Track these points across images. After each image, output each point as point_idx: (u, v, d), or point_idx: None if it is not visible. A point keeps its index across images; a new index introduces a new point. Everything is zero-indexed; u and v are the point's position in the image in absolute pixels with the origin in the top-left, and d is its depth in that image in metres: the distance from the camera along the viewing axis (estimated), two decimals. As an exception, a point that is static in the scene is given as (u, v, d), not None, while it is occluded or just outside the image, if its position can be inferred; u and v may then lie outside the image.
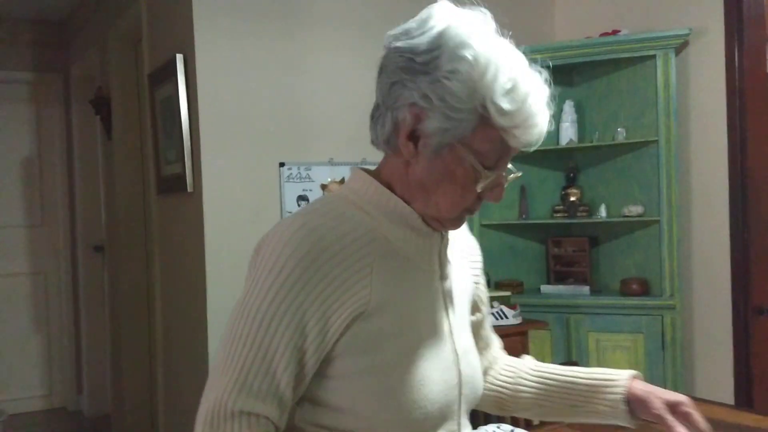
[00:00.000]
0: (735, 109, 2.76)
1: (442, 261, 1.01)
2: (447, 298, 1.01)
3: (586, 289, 3.11)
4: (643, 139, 2.96)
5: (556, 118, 3.23)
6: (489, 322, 1.22)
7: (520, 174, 0.99)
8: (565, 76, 3.29)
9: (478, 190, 0.90)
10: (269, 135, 2.71)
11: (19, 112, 4.52)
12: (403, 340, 0.92)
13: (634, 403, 1.05)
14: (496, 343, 1.24)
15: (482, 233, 3.21)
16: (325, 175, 2.97)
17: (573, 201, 3.24)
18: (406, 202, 0.94)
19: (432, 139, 0.88)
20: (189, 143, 2.60)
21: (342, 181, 2.99)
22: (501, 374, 1.19)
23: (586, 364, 2.97)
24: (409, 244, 0.96)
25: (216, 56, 2.57)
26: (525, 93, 0.86)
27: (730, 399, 2.77)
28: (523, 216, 3.28)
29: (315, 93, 2.84)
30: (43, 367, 4.61)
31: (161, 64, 2.81)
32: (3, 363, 4.43)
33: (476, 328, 1.16)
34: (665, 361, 2.83)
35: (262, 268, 0.88)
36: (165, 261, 3.03)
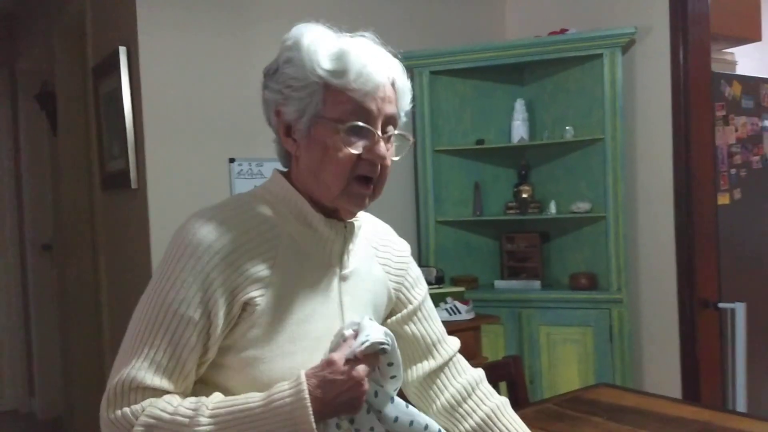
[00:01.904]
0: (680, 107, 2.81)
1: (344, 261, 1.06)
2: (345, 296, 1.05)
3: (537, 283, 3.15)
4: (590, 137, 3.00)
5: (509, 116, 3.26)
6: (431, 320, 1.22)
7: (404, 134, 1.04)
8: (516, 74, 3.32)
9: (354, 152, 0.97)
10: (218, 130, 2.67)
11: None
12: (292, 334, 0.97)
13: None
14: (450, 343, 1.24)
15: (438, 230, 3.22)
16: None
17: (525, 198, 3.27)
18: (309, 197, 1.02)
19: (299, 125, 0.99)
20: (133, 138, 2.54)
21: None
22: (479, 409, 1.19)
23: (538, 358, 3.01)
24: (310, 242, 1.02)
25: (160, 48, 2.52)
26: (347, 50, 0.97)
27: (677, 390, 2.83)
28: (477, 213, 3.30)
29: (265, 88, 2.82)
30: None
31: (104, 57, 2.74)
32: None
33: (399, 327, 1.18)
34: (613, 354, 2.88)
35: (172, 256, 0.94)
36: (111, 259, 2.96)
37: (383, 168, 1.01)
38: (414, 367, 1.19)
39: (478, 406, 1.17)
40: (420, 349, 1.19)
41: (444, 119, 3.24)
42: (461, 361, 1.24)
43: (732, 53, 3.68)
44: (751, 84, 3.23)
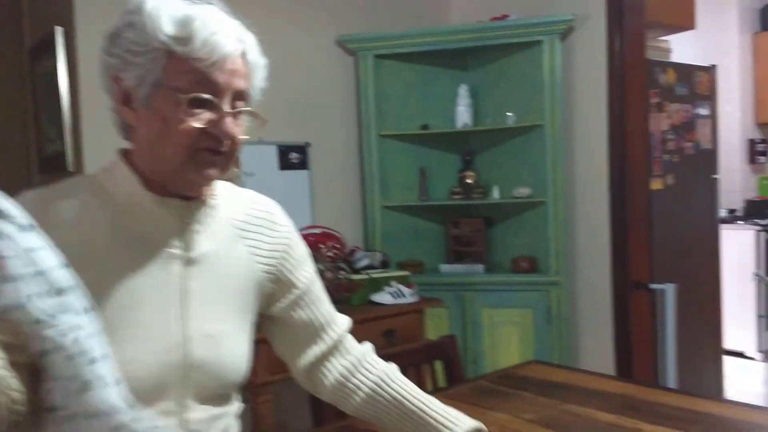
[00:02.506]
0: (615, 94, 2.90)
1: (190, 243, 1.00)
2: (191, 282, 0.99)
3: (480, 267, 3.22)
4: (530, 124, 3.07)
5: (452, 102, 3.30)
6: (320, 303, 1.17)
7: (255, 112, 1.00)
8: (460, 60, 3.36)
9: (197, 125, 0.91)
10: (158, 113, 2.63)
11: None
12: (113, 321, 0.91)
13: None
14: (340, 323, 1.20)
15: (384, 215, 3.25)
16: (220, 155, 2.91)
17: (469, 183, 3.33)
18: (149, 174, 0.96)
19: (138, 93, 0.92)
20: (69, 120, 2.48)
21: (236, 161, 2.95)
22: (367, 380, 1.16)
23: (480, 339, 3.08)
24: (140, 223, 0.96)
25: (98, 29, 2.46)
26: (194, 16, 0.91)
27: (611, 368, 2.94)
28: (423, 198, 3.34)
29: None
30: None
31: (41, 38, 2.67)
32: None
33: (286, 313, 1.13)
34: (552, 335, 2.97)
35: None
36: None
37: (232, 144, 0.95)
38: (303, 354, 1.14)
39: (365, 377, 1.15)
40: (308, 334, 1.14)
41: (389, 104, 3.27)
42: (349, 341, 1.20)
43: (667, 41, 3.80)
44: (684, 71, 3.35)
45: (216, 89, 0.92)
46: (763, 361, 4.53)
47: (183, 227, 0.99)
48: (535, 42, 3.00)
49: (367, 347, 1.22)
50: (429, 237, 3.45)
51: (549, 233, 3.01)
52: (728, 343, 4.24)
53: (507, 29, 3.03)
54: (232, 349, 1.03)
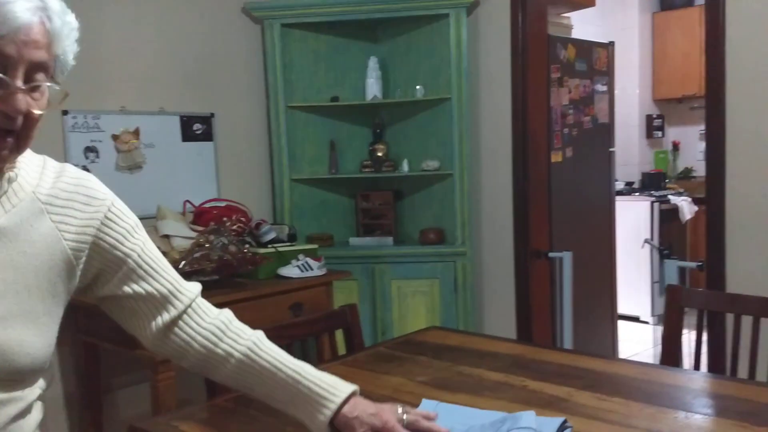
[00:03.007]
0: (518, 68, 2.97)
1: None
2: None
3: (390, 240, 3.25)
4: (438, 97, 3.10)
5: (362, 74, 3.29)
6: (160, 271, 1.09)
7: (52, 85, 0.93)
8: (369, 31, 3.34)
9: None
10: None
11: None
12: None
13: (339, 425, 1.07)
14: (188, 289, 1.12)
15: (292, 188, 3.21)
16: (117, 124, 2.78)
17: (379, 156, 3.34)
18: None
19: None
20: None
21: (136, 131, 2.83)
22: (236, 348, 1.11)
23: (390, 310, 3.12)
24: None
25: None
26: None
27: (513, 334, 3.05)
28: (333, 171, 3.33)
29: (104, 34, 2.64)
30: None
31: None
32: None
33: (120, 289, 1.06)
34: (458, 303, 3.05)
35: None
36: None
37: (28, 120, 0.89)
38: (151, 324, 1.08)
39: (234, 345, 1.10)
40: (152, 306, 1.08)
41: (297, 75, 3.21)
42: (204, 304, 1.14)
43: (569, 17, 3.92)
44: (584, 48, 3.47)
45: (7, 63, 0.85)
46: (656, 324, 4.83)
47: None
48: (443, 15, 3.02)
49: (229, 314, 1.16)
50: (339, 210, 3.44)
51: (455, 205, 3.07)
52: (624, 308, 4.50)
53: (414, 1, 3.03)
54: (24, 332, 0.94)
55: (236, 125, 3.13)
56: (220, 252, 2.56)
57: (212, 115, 3.04)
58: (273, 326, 1.66)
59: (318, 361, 1.74)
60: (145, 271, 1.06)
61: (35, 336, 0.96)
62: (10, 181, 0.95)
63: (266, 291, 2.64)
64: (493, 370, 1.47)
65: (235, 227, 2.71)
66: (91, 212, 1.01)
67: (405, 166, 3.26)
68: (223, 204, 2.92)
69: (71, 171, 1.03)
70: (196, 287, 1.14)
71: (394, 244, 3.23)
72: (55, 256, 0.98)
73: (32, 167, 0.99)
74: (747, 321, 1.65)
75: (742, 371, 1.66)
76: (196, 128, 2.98)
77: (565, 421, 1.13)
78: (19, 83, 0.86)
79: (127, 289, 1.05)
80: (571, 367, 1.49)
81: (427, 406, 1.21)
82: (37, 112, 0.89)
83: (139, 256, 1.06)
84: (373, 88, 3.27)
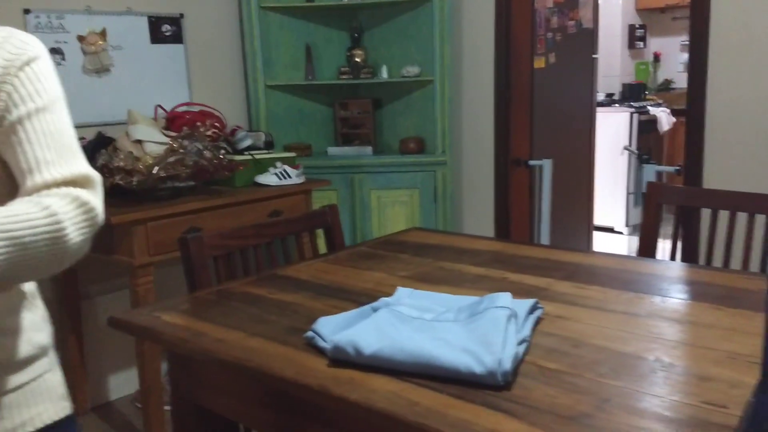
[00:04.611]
0: (502, -32, 2.86)
1: None
2: None
3: (369, 149, 3.20)
4: (421, -3, 2.99)
5: (340, -26, 3.14)
6: (29, 145, 0.90)
7: None
8: (346, -73, 3.17)
9: None
10: (3, -27, 2.33)
11: None
12: None
13: None
14: (48, 174, 0.89)
15: (268, 95, 3.12)
16: (83, 25, 2.64)
17: (357, 62, 3.24)
18: None
19: None
20: None
21: (103, 32, 2.70)
22: None
23: (369, 220, 3.12)
24: None
25: None
26: None
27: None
28: (309, 77, 3.23)
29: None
30: None
31: None
32: None
33: (3, 149, 0.91)
34: (437, 212, 3.05)
35: None
36: None
37: None
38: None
39: None
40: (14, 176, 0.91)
41: (270, -26, 3.06)
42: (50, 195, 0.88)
43: None
44: (570, -50, 3.34)
45: None
46: (630, 234, 4.93)
47: None
48: None
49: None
50: (316, 119, 3.37)
51: (436, 113, 3.02)
52: (600, 219, 4.57)
53: None
54: None
55: (207, 27, 3.00)
56: (195, 157, 2.50)
57: (182, 15, 2.90)
58: (253, 225, 1.64)
59: (299, 259, 1.74)
60: (20, 138, 0.90)
61: None
62: None
63: (244, 198, 2.61)
64: (474, 265, 1.48)
65: (209, 133, 2.64)
66: (9, 62, 0.89)
67: (384, 73, 3.18)
68: (196, 109, 2.84)
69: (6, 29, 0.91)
70: (61, 175, 0.90)
71: (374, 154, 3.20)
72: None
73: None
74: (723, 216, 1.66)
75: (717, 264, 1.70)
76: (164, 30, 2.85)
77: (536, 302, 1.15)
78: None
79: (3, 145, 0.91)
80: (550, 261, 1.50)
81: (402, 293, 1.22)
82: None
83: (27, 117, 0.90)
84: (351, -11, 3.13)
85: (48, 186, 0.88)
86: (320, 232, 1.82)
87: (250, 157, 2.75)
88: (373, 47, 3.29)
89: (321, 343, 1.06)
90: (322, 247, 1.84)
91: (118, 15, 2.71)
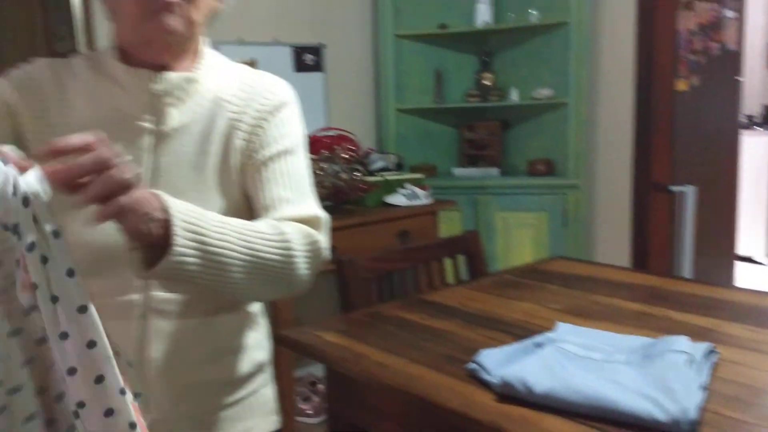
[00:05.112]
0: (644, -10, 2.77)
1: (161, 116, 0.94)
2: (163, 157, 0.94)
3: (495, 170, 3.19)
4: (555, 21, 2.95)
5: (472, -1, 3.17)
6: (271, 183, 0.98)
7: None
8: (481, -47, 3.20)
9: None
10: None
11: None
12: None
13: None
14: (282, 212, 0.96)
15: (398, 118, 3.19)
16: (235, 54, 2.75)
17: (486, 85, 3.25)
18: (126, 48, 0.95)
19: None
20: (81, 17, 2.40)
21: (253, 61, 2.86)
22: None
23: (493, 242, 3.10)
24: (116, 96, 0.94)
25: None
26: None
27: (623, 271, 2.97)
28: (438, 100, 3.28)
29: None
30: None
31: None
32: None
33: (249, 184, 0.99)
34: (567, 237, 2.98)
35: None
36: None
37: None
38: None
39: None
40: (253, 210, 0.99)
41: (406, 2, 3.14)
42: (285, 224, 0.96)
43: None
44: (716, -31, 3.18)
45: None
46: (771, 267, 4.59)
47: (154, 99, 0.94)
48: (561, -68, 2.84)
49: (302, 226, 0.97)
50: (443, 140, 3.40)
51: (569, 135, 2.96)
52: (738, 248, 4.27)
53: None
54: None
55: (345, 55, 3.11)
56: (333, 179, 2.60)
57: (322, 45, 3.03)
58: (400, 249, 1.68)
59: (440, 285, 1.76)
60: (265, 177, 0.98)
61: None
62: (190, 82, 0.96)
63: (374, 218, 2.68)
64: (631, 300, 1.43)
65: (345, 155, 2.74)
66: (262, 111, 0.99)
67: (514, 95, 3.16)
68: (333, 133, 2.95)
69: (257, 72, 1.04)
70: (296, 213, 0.97)
71: (500, 175, 3.18)
72: (230, 154, 0.98)
73: (212, 67, 1.00)
74: None
75: None
76: (307, 59, 2.99)
77: (713, 347, 1.09)
78: None
79: (249, 180, 1.00)
80: (714, 299, 1.43)
81: (564, 329, 1.19)
82: None
83: (272, 159, 0.99)
84: (483, 14, 3.15)
85: (283, 221, 0.95)
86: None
87: (381, 178, 2.82)
88: (503, 70, 3.29)
89: (486, 377, 1.06)
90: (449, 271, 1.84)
91: (266, 45, 2.87)
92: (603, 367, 1.02)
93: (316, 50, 3.01)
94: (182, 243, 0.76)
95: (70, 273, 0.62)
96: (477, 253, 1.78)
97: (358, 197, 2.71)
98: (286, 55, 2.93)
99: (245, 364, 1.04)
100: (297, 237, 0.90)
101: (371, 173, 2.86)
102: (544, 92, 3.06)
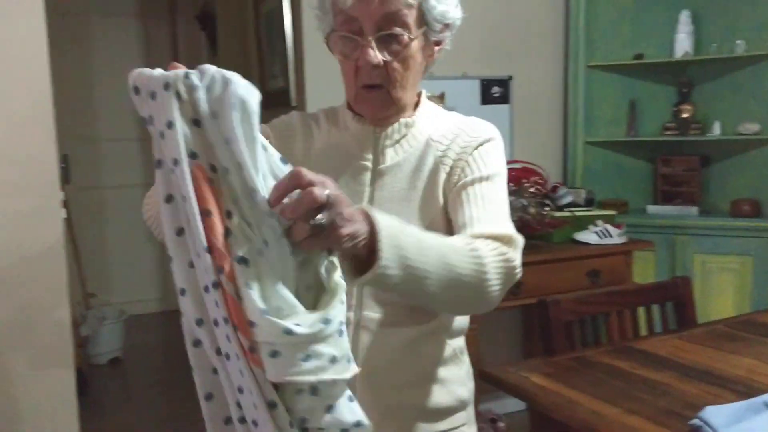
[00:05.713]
0: None
1: (379, 156, 1.08)
2: (378, 191, 1.06)
3: (694, 209, 3.00)
4: (764, 52, 2.74)
5: (671, 29, 3.03)
6: (468, 204, 1.02)
7: (395, 33, 0.99)
8: (682, -18, 3.06)
9: (351, 61, 1.01)
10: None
11: (126, 26, 4.59)
12: None
13: None
14: (478, 228, 0.98)
15: (587, 151, 3.12)
16: (426, 89, 2.93)
17: (685, 118, 3.08)
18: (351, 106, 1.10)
19: (328, 40, 1.06)
20: (293, 57, 2.64)
21: (442, 95, 2.97)
22: None
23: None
24: (342, 138, 1.10)
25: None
26: None
27: None
28: (631, 133, 3.16)
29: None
30: (157, 273, 4.95)
31: (266, -23, 2.83)
32: (122, 270, 4.79)
33: (450, 209, 1.05)
34: (776, 285, 2.72)
35: None
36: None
37: (390, 71, 1.00)
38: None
39: None
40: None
41: (600, 32, 3.08)
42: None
43: None
44: None
45: (356, 24, 0.98)
46: None
47: (376, 143, 1.08)
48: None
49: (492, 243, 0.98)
50: (634, 175, 3.26)
51: (781, 174, 2.72)
52: None
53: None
54: None
55: (532, 87, 3.11)
56: (519, 213, 2.60)
57: (510, 77, 3.06)
58: (605, 292, 1.65)
59: (648, 332, 1.69)
60: (464, 199, 1.03)
61: None
62: (408, 126, 1.09)
63: (563, 255, 2.62)
64: None
65: (532, 189, 2.73)
66: (466, 147, 1.06)
67: (716, 129, 2.97)
68: (519, 166, 2.95)
69: (466, 117, 1.13)
70: (494, 230, 0.98)
71: (699, 215, 2.98)
72: (435, 185, 1.06)
73: (427, 114, 1.12)
74: None
75: None
76: (494, 91, 3.04)
77: None
78: (369, 37, 0.98)
79: (450, 205, 1.06)
80: None
81: None
82: (396, 63, 1.00)
83: (470, 184, 1.04)
84: (683, 44, 3.00)
85: (476, 237, 0.97)
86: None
87: (570, 214, 2.76)
88: (703, 102, 3.10)
89: None
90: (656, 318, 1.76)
91: (454, 79, 2.96)
92: None
93: (503, 82, 3.05)
94: (386, 256, 0.80)
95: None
96: (688, 301, 1.70)
97: (547, 232, 2.68)
98: (474, 88, 3.00)
99: (447, 397, 1.08)
100: (488, 252, 0.92)
101: (559, 208, 2.81)
102: (750, 127, 2.84)
